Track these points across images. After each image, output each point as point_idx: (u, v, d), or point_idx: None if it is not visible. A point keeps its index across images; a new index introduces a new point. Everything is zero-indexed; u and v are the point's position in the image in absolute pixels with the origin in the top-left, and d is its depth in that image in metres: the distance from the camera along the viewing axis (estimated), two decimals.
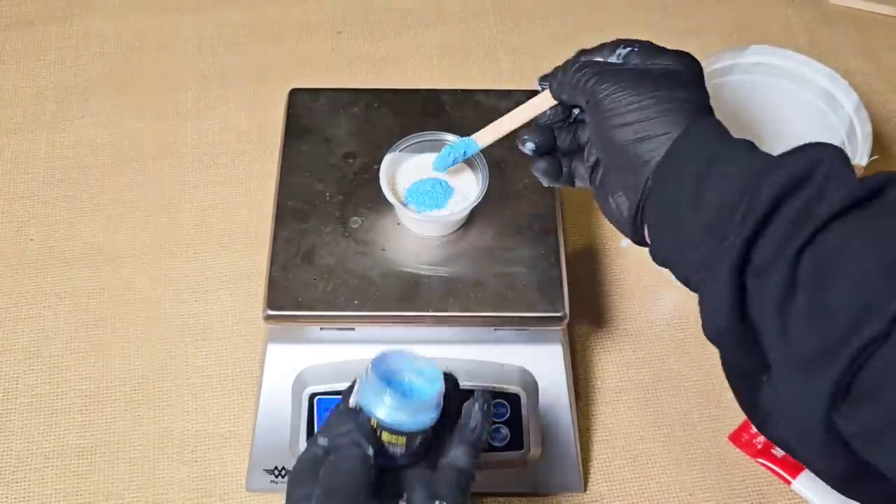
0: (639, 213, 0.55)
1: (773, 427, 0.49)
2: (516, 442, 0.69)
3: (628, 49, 0.58)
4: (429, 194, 0.69)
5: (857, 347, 0.41)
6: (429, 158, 0.71)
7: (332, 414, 0.54)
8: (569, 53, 1.04)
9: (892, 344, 0.40)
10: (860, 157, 0.70)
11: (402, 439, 0.51)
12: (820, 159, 0.47)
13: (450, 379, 0.54)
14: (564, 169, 0.63)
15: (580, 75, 0.56)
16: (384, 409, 0.51)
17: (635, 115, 0.53)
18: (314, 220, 0.70)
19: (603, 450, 0.74)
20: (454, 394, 0.54)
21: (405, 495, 0.51)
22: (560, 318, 0.67)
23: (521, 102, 0.76)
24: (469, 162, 0.71)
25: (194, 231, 0.85)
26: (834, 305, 0.42)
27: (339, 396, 0.70)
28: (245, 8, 1.01)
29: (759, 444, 0.74)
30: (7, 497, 0.71)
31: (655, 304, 0.81)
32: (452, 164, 0.67)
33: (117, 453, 0.73)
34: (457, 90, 0.78)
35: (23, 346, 0.78)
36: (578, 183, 0.63)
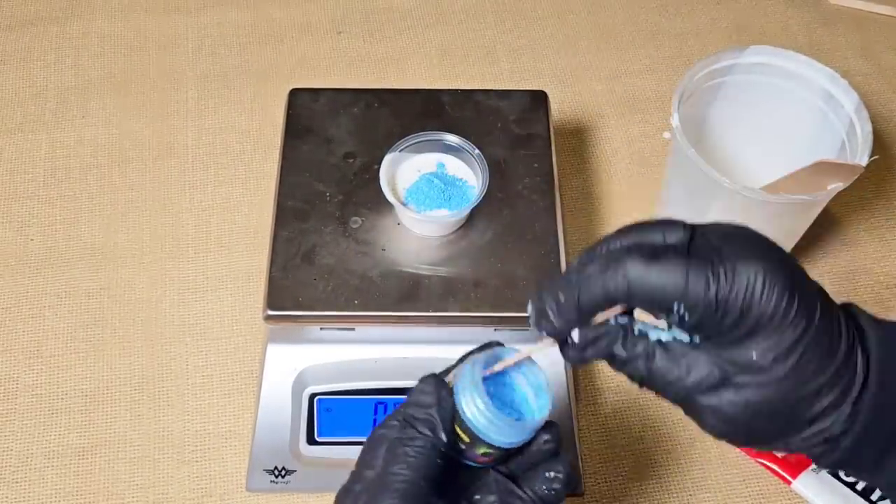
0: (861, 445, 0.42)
1: None
2: None
3: (678, 314, 0.41)
4: (429, 194, 0.69)
5: None
6: (429, 158, 0.71)
7: (422, 383, 0.47)
8: (568, 53, 1.04)
9: None
10: (860, 157, 0.70)
11: (486, 449, 0.47)
12: None
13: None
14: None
15: (668, 369, 0.43)
16: (479, 417, 0.45)
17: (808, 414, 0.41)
18: (314, 220, 0.70)
19: (603, 450, 0.74)
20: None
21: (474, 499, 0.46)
22: None
23: (521, 102, 0.77)
24: (469, 162, 0.71)
25: (194, 231, 0.85)
26: None
27: (343, 397, 0.70)
28: (245, 8, 1.01)
29: None
30: (7, 497, 0.71)
31: None
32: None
33: (117, 453, 0.73)
34: (457, 90, 0.78)
35: (23, 345, 0.78)
36: None
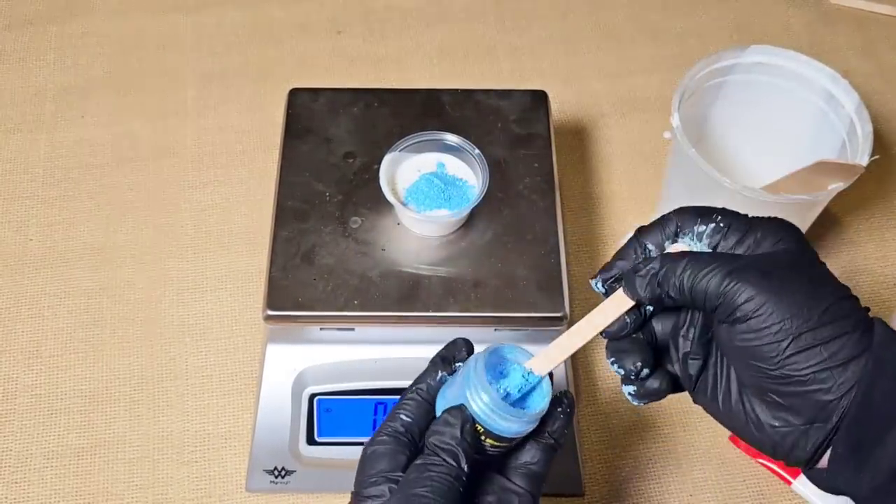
0: (821, 448, 0.45)
1: None
2: None
3: (711, 225, 0.48)
4: (429, 194, 0.69)
5: None
6: (429, 158, 0.71)
7: (447, 414, 0.49)
8: (568, 53, 1.04)
9: None
10: (861, 156, 0.70)
11: (503, 443, 0.49)
12: None
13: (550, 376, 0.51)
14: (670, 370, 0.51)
15: (700, 268, 0.45)
16: (486, 410, 0.48)
17: (809, 338, 0.43)
18: (314, 220, 0.70)
19: (603, 450, 0.74)
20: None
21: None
22: (560, 318, 0.66)
23: (521, 102, 0.77)
24: (469, 162, 0.71)
25: (194, 231, 0.85)
26: None
27: (342, 397, 0.70)
28: (245, 8, 1.01)
29: None
30: (7, 497, 0.71)
31: None
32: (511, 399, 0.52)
33: (117, 453, 0.73)
34: (457, 90, 0.78)
35: (22, 346, 0.78)
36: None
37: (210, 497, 0.71)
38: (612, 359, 0.50)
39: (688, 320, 0.50)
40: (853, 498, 0.46)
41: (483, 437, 0.49)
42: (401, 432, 0.50)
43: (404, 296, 0.67)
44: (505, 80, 0.96)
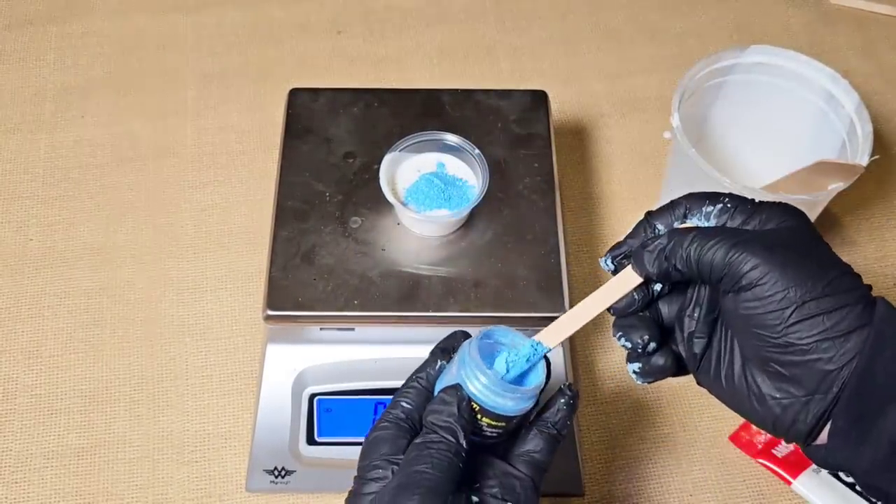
0: (822, 420, 0.46)
1: None
2: None
3: (718, 206, 0.50)
4: (429, 194, 0.69)
5: None
6: (429, 158, 0.71)
7: (443, 393, 0.50)
8: (569, 52, 1.04)
9: None
10: (861, 156, 0.70)
11: (500, 422, 0.50)
12: None
13: (546, 362, 0.52)
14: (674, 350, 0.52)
15: (706, 240, 0.47)
16: (483, 390, 0.49)
17: (812, 307, 0.44)
18: (314, 220, 0.70)
19: (603, 450, 0.74)
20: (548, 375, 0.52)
21: (477, 494, 0.49)
22: None
23: (521, 102, 0.77)
24: (469, 162, 0.71)
25: (194, 231, 0.85)
26: None
27: (342, 397, 0.70)
28: (245, 8, 1.01)
29: (760, 444, 0.74)
30: (7, 497, 0.71)
31: None
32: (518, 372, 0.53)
33: (117, 453, 0.73)
34: (457, 90, 0.78)
35: (22, 346, 0.78)
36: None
37: (210, 497, 0.71)
38: (619, 333, 0.51)
39: (693, 299, 0.51)
40: (852, 473, 0.46)
41: (479, 417, 0.50)
42: (401, 418, 0.51)
43: (404, 296, 0.67)
44: (505, 81, 0.96)
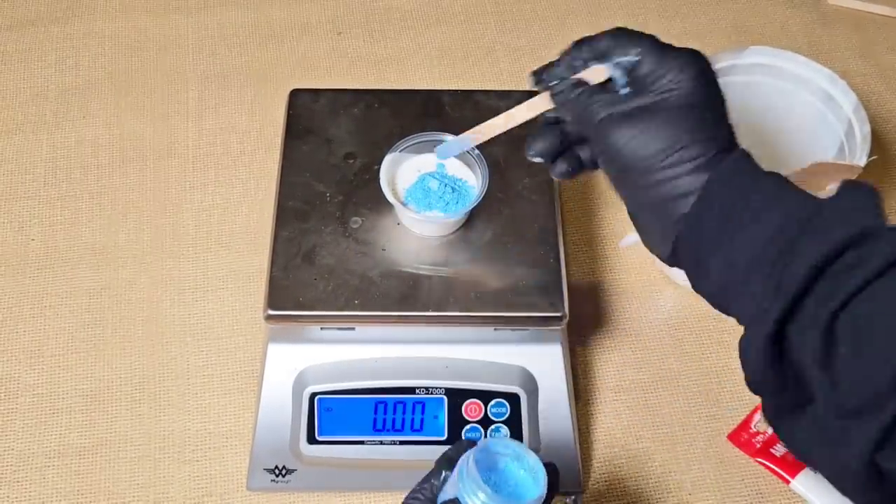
0: (671, 257, 0.52)
1: (813, 461, 0.49)
2: None
3: (630, 59, 0.54)
4: (429, 195, 0.69)
5: None
6: (429, 159, 0.71)
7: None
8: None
9: None
10: (859, 157, 0.70)
11: None
12: (860, 226, 0.45)
13: (551, 471, 0.52)
14: (583, 156, 0.58)
15: (588, 103, 0.53)
16: None
17: (658, 175, 0.50)
18: (315, 221, 0.70)
19: (603, 449, 0.74)
20: (554, 484, 0.53)
21: None
22: (560, 318, 0.67)
23: (521, 103, 0.77)
24: (469, 162, 0.71)
25: (195, 231, 0.85)
26: (880, 358, 0.43)
27: (343, 396, 0.70)
28: (246, 8, 1.01)
29: (758, 443, 0.74)
30: (8, 496, 0.71)
31: (655, 304, 0.82)
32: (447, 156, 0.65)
33: (118, 453, 0.73)
34: (457, 91, 0.78)
35: (24, 345, 0.78)
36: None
37: (211, 496, 0.71)
38: (530, 147, 0.57)
39: None
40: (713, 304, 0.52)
41: None
42: None
43: (404, 296, 0.67)
44: (504, 81, 0.96)
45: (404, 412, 0.70)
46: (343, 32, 1.00)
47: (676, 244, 0.51)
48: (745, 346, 0.48)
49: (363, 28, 1.00)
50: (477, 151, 0.70)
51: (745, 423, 0.75)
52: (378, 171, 0.69)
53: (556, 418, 0.71)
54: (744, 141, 0.82)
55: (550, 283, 0.68)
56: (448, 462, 0.53)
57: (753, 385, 0.49)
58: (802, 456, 0.50)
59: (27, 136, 0.91)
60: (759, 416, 0.75)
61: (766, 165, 0.79)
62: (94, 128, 0.91)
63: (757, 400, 0.51)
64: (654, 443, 0.75)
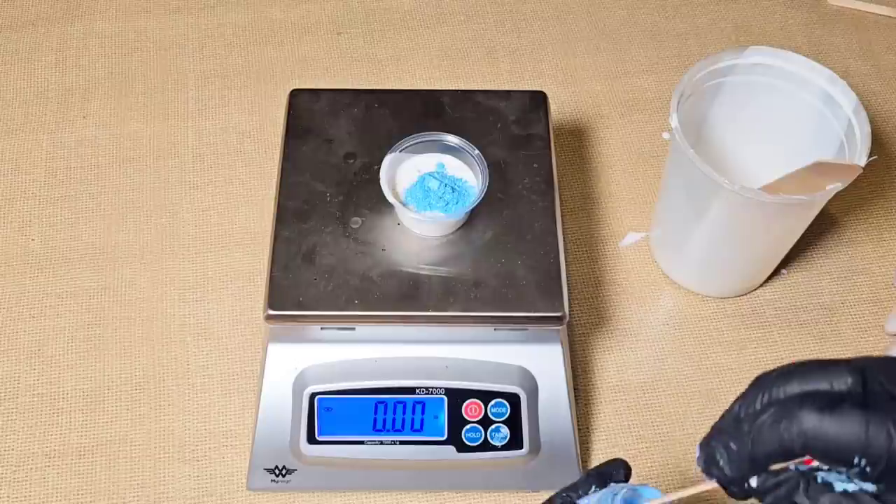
0: None
1: None
2: (516, 441, 0.70)
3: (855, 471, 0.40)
4: (429, 195, 0.69)
5: None
6: (429, 159, 0.71)
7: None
8: (568, 53, 1.04)
9: None
10: (859, 157, 0.70)
11: None
12: None
13: None
14: None
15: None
16: None
17: None
18: (315, 221, 0.70)
19: (602, 449, 0.74)
20: None
21: None
22: (560, 318, 0.67)
23: (521, 103, 0.77)
24: (469, 162, 0.71)
25: (195, 231, 0.85)
26: None
27: (343, 396, 0.70)
28: (246, 9, 1.01)
29: None
30: (8, 496, 0.71)
31: (655, 304, 0.82)
32: None
33: (118, 453, 0.73)
34: (457, 91, 0.78)
35: (24, 345, 0.78)
36: None
37: (211, 496, 0.71)
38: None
39: None
40: None
41: None
42: None
43: (404, 295, 0.67)
44: (504, 82, 0.96)
45: (404, 412, 0.70)
46: (343, 32, 1.00)
47: None
48: None
49: (363, 28, 1.00)
50: (477, 151, 0.70)
51: None
52: (378, 171, 0.69)
53: (556, 418, 0.71)
54: (744, 141, 0.83)
55: (550, 283, 0.68)
56: (598, 476, 0.51)
57: None
58: None
59: (27, 136, 0.91)
60: None
61: (765, 166, 0.79)
62: (94, 128, 0.92)
63: None
64: (653, 443, 0.75)
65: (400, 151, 0.70)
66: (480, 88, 0.79)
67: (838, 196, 0.70)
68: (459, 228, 0.71)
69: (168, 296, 0.81)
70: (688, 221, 0.76)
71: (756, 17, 1.03)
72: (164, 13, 1.00)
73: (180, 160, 0.89)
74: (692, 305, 0.81)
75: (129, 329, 0.79)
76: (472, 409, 0.70)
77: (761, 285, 0.83)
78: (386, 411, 0.70)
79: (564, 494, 0.51)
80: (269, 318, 0.67)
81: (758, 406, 0.42)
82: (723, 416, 0.44)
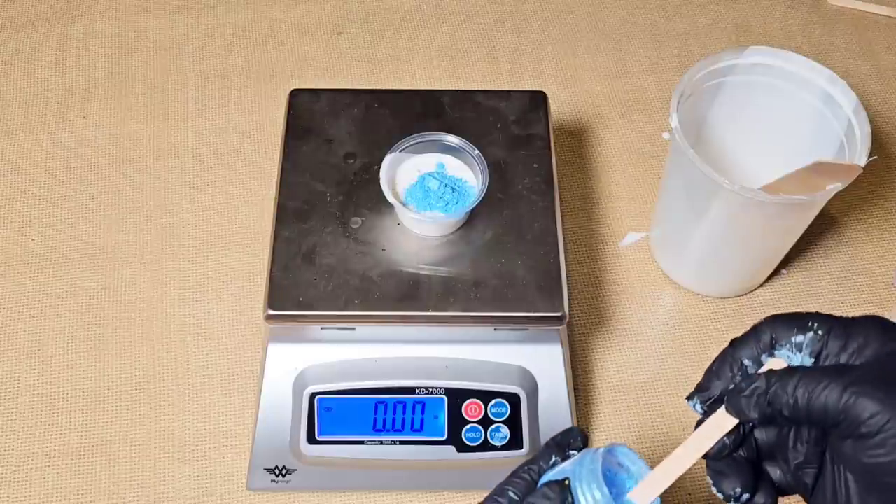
0: None
1: None
2: (515, 441, 0.70)
3: (809, 334, 0.46)
4: (429, 195, 0.69)
5: None
6: (429, 159, 0.71)
7: (547, 488, 0.48)
8: (568, 53, 1.04)
9: None
10: (859, 157, 0.70)
11: None
12: None
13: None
14: (774, 476, 0.50)
15: (802, 391, 0.43)
16: None
17: None
18: (315, 221, 0.70)
19: None
20: None
21: None
22: (560, 318, 0.67)
23: (521, 103, 0.77)
24: (469, 162, 0.71)
25: (195, 231, 0.85)
26: None
27: (343, 396, 0.70)
28: (246, 9, 1.01)
29: None
30: (8, 496, 0.71)
31: (655, 304, 0.82)
32: None
33: (118, 453, 0.73)
34: (457, 91, 0.78)
35: (24, 345, 0.78)
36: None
37: (211, 496, 0.71)
38: (712, 481, 0.48)
39: (795, 434, 0.48)
40: None
41: None
42: None
43: (404, 295, 0.67)
44: (504, 82, 0.97)
45: (404, 412, 0.70)
46: (343, 32, 1.00)
47: None
48: None
49: (363, 28, 1.00)
50: (477, 151, 0.70)
51: None
52: (378, 171, 0.69)
53: (556, 418, 0.71)
54: (744, 141, 0.83)
55: (550, 283, 0.68)
56: (557, 447, 0.51)
57: None
58: None
59: (27, 136, 0.91)
60: None
61: (765, 166, 0.79)
62: (94, 128, 0.92)
63: None
64: (654, 443, 0.75)
65: (400, 151, 0.70)
66: (480, 88, 0.79)
67: (838, 196, 0.70)
68: (459, 228, 0.71)
69: (168, 296, 0.81)
70: (688, 221, 0.76)
71: (756, 17, 1.03)
72: (164, 13, 1.00)
73: (180, 160, 0.89)
74: (692, 305, 0.81)
75: (129, 329, 0.79)
76: (472, 409, 0.70)
77: (761, 285, 0.83)
78: (386, 411, 0.70)
79: (528, 468, 0.50)
80: (269, 317, 0.67)
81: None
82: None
